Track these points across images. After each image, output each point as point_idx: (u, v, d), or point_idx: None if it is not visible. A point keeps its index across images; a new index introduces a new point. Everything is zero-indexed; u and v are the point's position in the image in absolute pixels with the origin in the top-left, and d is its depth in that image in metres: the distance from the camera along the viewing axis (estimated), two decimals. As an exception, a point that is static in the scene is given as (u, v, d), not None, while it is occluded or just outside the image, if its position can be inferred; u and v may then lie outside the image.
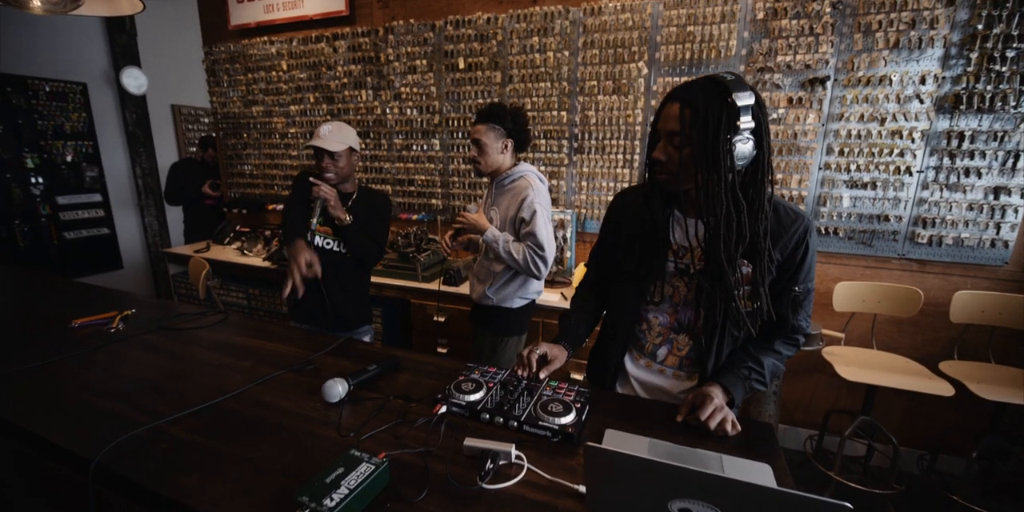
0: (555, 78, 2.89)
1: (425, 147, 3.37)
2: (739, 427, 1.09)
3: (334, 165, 1.95)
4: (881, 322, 2.54)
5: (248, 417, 1.14)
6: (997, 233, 2.29)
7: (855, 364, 2.27)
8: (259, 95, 3.79)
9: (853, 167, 2.44)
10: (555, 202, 3.08)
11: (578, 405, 1.14)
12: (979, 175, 2.26)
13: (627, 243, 1.31)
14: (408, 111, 3.33)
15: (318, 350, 1.50)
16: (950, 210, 2.34)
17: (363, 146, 3.53)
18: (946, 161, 2.30)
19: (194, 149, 4.85)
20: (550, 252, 1.90)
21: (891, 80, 2.28)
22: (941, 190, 2.34)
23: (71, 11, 1.41)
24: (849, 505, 0.58)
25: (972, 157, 2.26)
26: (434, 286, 2.89)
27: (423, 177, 3.44)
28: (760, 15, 2.42)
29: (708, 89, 1.02)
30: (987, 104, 2.16)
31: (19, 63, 3.84)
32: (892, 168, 2.38)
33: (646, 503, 0.76)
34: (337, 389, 1.19)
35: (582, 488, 0.89)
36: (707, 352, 1.23)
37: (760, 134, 1.03)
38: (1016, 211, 2.24)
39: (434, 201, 3.46)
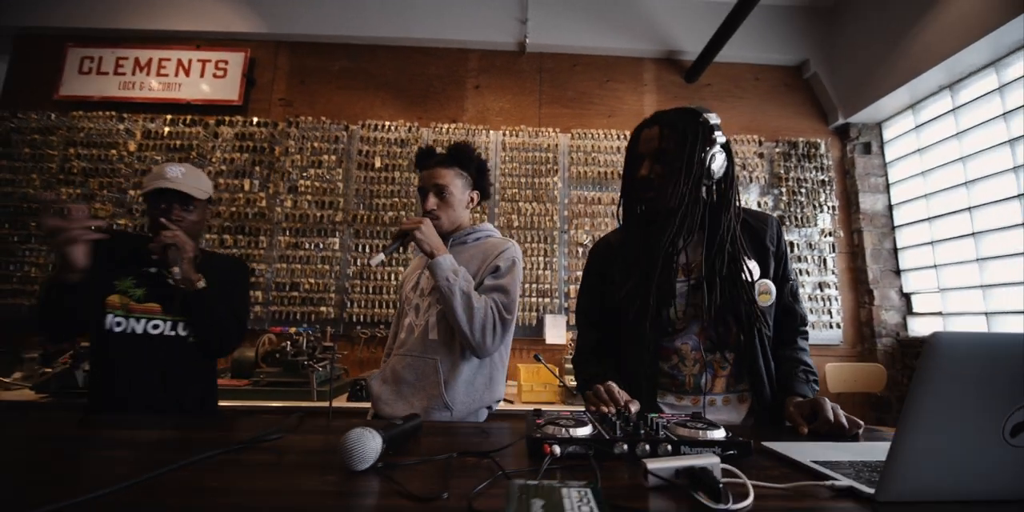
0: (476, 184, 3.02)
1: (320, 246, 2.95)
2: (861, 423, 1.01)
3: (187, 217, 1.42)
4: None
5: (192, 507, 0.56)
6: (831, 317, 2.97)
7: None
8: (79, 175, 2.92)
9: (727, 268, 3.00)
10: (476, 304, 2.90)
11: (713, 423, 0.90)
12: (808, 274, 3.02)
13: (627, 278, 1.21)
14: (304, 205, 2.97)
15: (262, 428, 0.87)
16: (796, 301, 3.00)
17: (235, 242, 2.90)
18: (784, 264, 3.04)
19: None
20: (511, 322, 1.42)
21: (740, 203, 3.06)
22: (787, 286, 3.01)
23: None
24: None
25: (799, 261, 3.04)
26: (340, 403, 2.23)
27: (312, 280, 2.91)
28: (644, 151, 3.10)
29: (681, 112, 1.19)
30: (800, 222, 3.04)
31: None
32: (753, 269, 3.01)
33: (978, 423, 0.62)
34: (371, 444, 0.66)
35: (841, 481, 0.67)
36: (753, 358, 1.16)
37: (728, 149, 1.18)
38: (837, 299, 3.00)
39: (324, 309, 2.89)
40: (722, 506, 0.56)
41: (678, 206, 1.12)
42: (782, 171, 3.10)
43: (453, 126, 3.10)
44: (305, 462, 0.73)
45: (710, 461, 0.67)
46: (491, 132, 3.11)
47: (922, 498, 0.62)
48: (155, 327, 1.40)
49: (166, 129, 3.00)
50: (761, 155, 3.12)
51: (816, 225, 3.07)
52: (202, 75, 3.08)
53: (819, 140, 3.15)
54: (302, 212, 2.96)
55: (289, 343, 2.44)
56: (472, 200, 1.54)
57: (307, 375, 2.33)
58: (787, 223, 3.05)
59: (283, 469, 0.70)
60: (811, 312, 2.96)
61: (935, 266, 2.78)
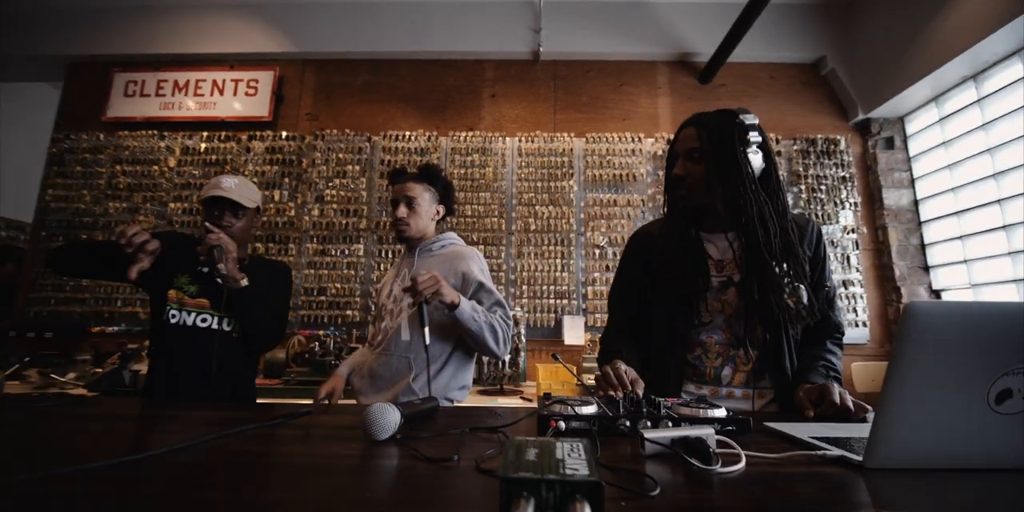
0: (494, 189, 3.11)
1: (346, 252, 3.07)
2: (868, 407, 1.02)
3: (236, 224, 1.57)
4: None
5: (240, 463, 0.64)
6: (856, 316, 2.92)
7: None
8: (125, 191, 3.14)
9: (747, 267, 2.99)
10: (496, 306, 2.96)
11: (716, 404, 0.93)
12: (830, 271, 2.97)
13: (663, 269, 1.27)
14: (331, 213, 3.10)
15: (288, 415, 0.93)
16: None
17: (267, 250, 3.06)
18: (806, 262, 3.00)
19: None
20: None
21: (758, 202, 3.04)
22: (810, 284, 2.97)
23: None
24: None
25: (822, 259, 2.99)
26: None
27: (338, 285, 3.03)
28: (659, 152, 3.12)
29: (718, 113, 1.21)
30: (821, 219, 3.00)
31: None
32: (774, 267, 2.98)
33: (962, 391, 0.64)
34: (390, 417, 0.75)
35: (832, 451, 0.69)
36: (778, 357, 1.18)
37: (766, 148, 1.20)
38: (862, 297, 2.94)
39: (349, 312, 3.00)
40: (712, 468, 0.60)
41: (722, 205, 1.14)
42: (800, 169, 3.08)
43: (470, 134, 3.20)
44: (332, 434, 0.81)
45: (705, 432, 0.71)
46: (507, 139, 3.19)
47: (910, 465, 0.63)
48: (203, 320, 1.52)
49: (203, 145, 3.20)
50: (778, 153, 3.10)
51: (838, 222, 3.02)
52: (235, 94, 3.28)
53: (839, 137, 3.12)
54: (328, 220, 3.10)
55: (317, 344, 2.55)
56: (438, 213, 1.70)
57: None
58: (808, 221, 3.02)
59: (312, 439, 0.78)
60: (839, 312, 2.91)
61: (965, 261, 2.70)
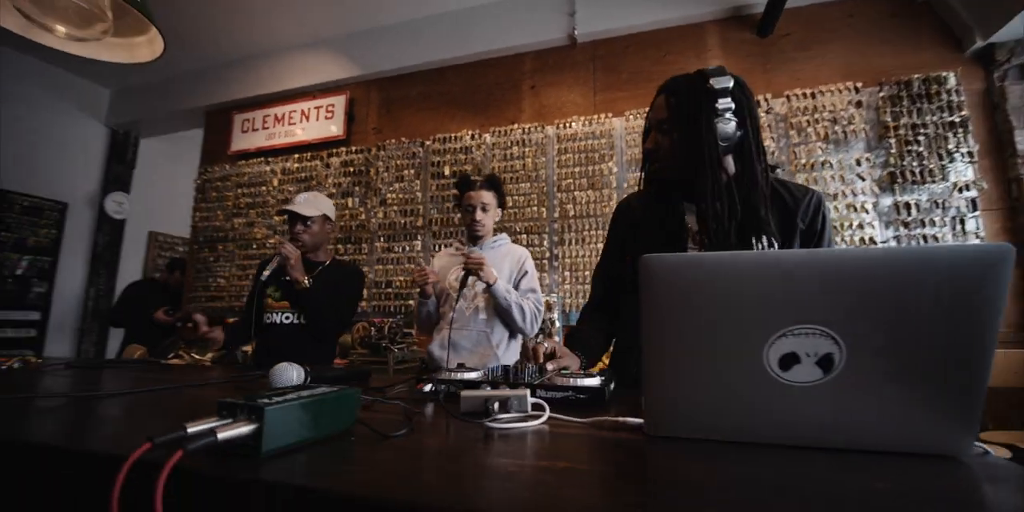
0: (534, 179, 3.16)
1: (407, 248, 3.40)
2: None
3: (306, 231, 1.93)
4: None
5: (161, 399, 0.85)
6: (978, 293, 2.32)
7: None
8: (244, 209, 3.89)
9: (822, 241, 2.58)
10: (540, 293, 3.01)
11: (602, 377, 0.91)
12: (936, 240, 2.42)
13: (643, 238, 1.21)
14: (392, 214, 3.46)
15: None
16: (925, 275, 2.41)
17: (344, 251, 3.53)
18: (902, 230, 2.48)
19: (158, 273, 4.69)
20: (543, 308, 1.97)
21: (831, 164, 2.61)
22: (909, 257, 2.45)
23: (91, 45, 1.49)
24: (1010, 245, 0.49)
25: (924, 225, 2.45)
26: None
27: (402, 278, 3.37)
28: (706, 121, 2.86)
29: (690, 78, 1.10)
30: (919, 177, 2.46)
31: (8, 178, 3.91)
32: (858, 240, 2.53)
33: (733, 356, 0.57)
34: (290, 374, 0.87)
35: (636, 420, 0.66)
36: None
37: (743, 114, 1.06)
38: (986, 270, 2.33)
39: (412, 302, 3.32)
40: (481, 421, 0.67)
41: (690, 176, 1.09)
42: (889, 119, 2.55)
43: (512, 127, 3.28)
44: (251, 389, 0.98)
45: (518, 394, 0.75)
46: (547, 128, 3.21)
47: (697, 435, 0.60)
48: (287, 318, 1.93)
49: (295, 166, 3.81)
50: (859, 104, 2.61)
51: (945, 180, 2.44)
52: (317, 119, 3.84)
53: (945, 73, 2.50)
54: (391, 220, 3.46)
55: (373, 329, 2.89)
56: (498, 215, 2.03)
57: (386, 355, 2.75)
58: (900, 180, 2.49)
59: (237, 392, 0.97)
60: (948, 288, 2.36)
61: None
